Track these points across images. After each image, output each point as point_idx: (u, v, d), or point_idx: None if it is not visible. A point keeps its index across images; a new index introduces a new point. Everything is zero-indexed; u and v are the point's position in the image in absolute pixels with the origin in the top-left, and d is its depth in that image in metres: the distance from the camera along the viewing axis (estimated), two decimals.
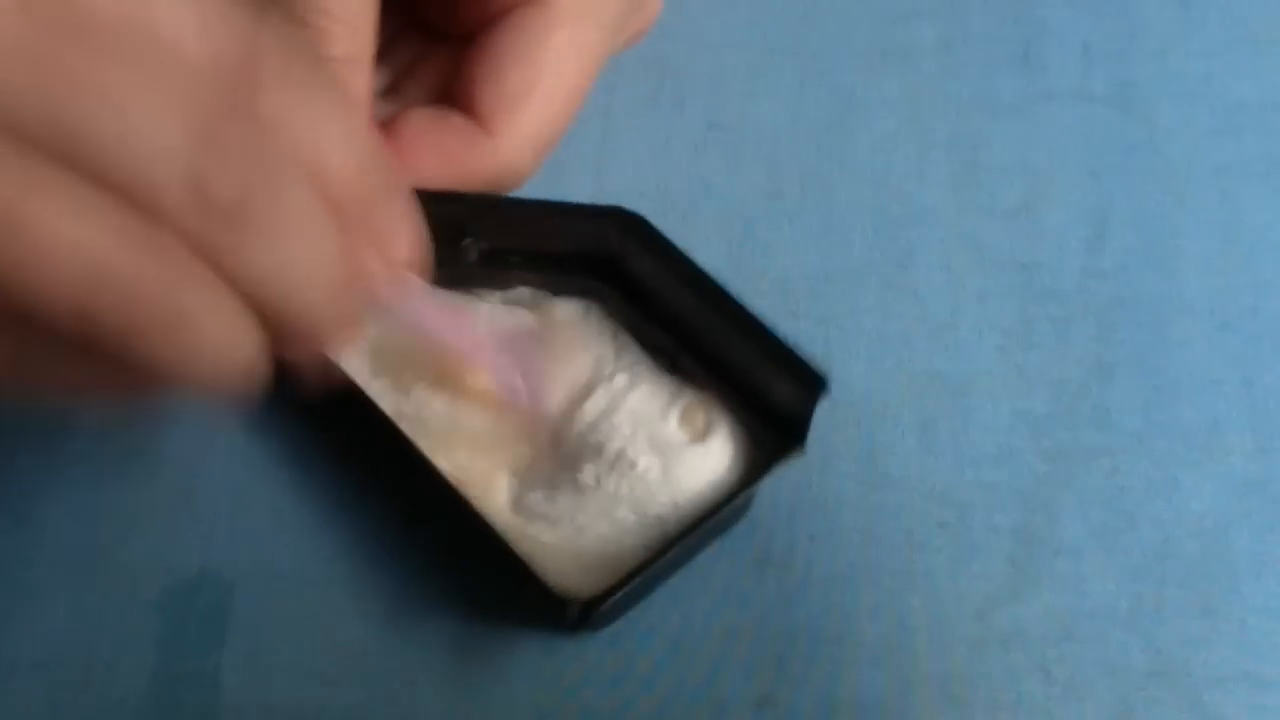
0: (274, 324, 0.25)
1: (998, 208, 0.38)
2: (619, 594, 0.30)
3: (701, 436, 0.33)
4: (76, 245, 0.22)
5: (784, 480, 0.34)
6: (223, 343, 0.24)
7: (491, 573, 0.33)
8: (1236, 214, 0.38)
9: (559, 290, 0.35)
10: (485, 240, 0.34)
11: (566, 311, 0.35)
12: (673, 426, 0.33)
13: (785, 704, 0.32)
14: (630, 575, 0.30)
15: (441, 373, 0.33)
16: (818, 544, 0.33)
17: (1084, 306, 0.36)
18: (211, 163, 0.23)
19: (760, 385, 0.33)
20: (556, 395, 0.33)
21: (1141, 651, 0.32)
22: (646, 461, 0.32)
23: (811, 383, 0.31)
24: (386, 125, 0.34)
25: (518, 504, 0.33)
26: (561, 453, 0.33)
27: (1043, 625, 0.32)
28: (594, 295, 0.35)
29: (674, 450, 0.33)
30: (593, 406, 0.33)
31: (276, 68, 0.25)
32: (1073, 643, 0.32)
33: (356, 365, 0.33)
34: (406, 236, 0.28)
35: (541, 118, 0.34)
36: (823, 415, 0.35)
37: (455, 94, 0.34)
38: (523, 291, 0.35)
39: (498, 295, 0.35)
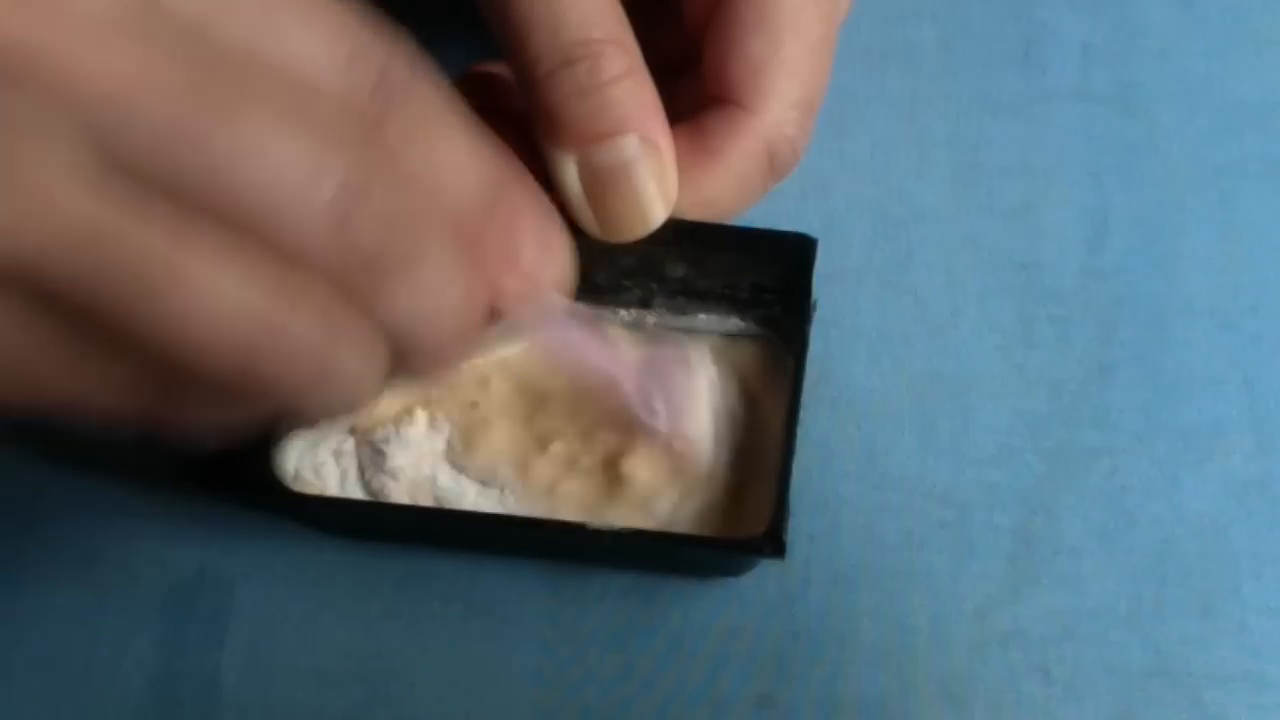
0: (400, 353, 0.25)
1: (998, 208, 0.38)
2: (788, 498, 0.30)
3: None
4: (235, 302, 0.22)
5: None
6: (357, 375, 0.24)
7: (490, 571, 0.33)
8: (1236, 214, 0.38)
9: None
10: None
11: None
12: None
13: (785, 704, 0.32)
14: (782, 483, 0.30)
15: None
16: (818, 544, 0.33)
17: (1084, 306, 0.36)
18: (355, 207, 0.22)
19: (744, 277, 0.33)
20: (701, 415, 0.33)
21: (1141, 651, 0.32)
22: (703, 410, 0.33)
23: (798, 246, 0.32)
24: None
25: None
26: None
27: (1043, 625, 0.32)
28: None
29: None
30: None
31: (401, 92, 0.24)
32: (1073, 643, 0.32)
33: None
34: (543, 254, 0.27)
35: (794, 77, 0.32)
36: (823, 415, 0.35)
37: (709, 93, 0.32)
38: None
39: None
